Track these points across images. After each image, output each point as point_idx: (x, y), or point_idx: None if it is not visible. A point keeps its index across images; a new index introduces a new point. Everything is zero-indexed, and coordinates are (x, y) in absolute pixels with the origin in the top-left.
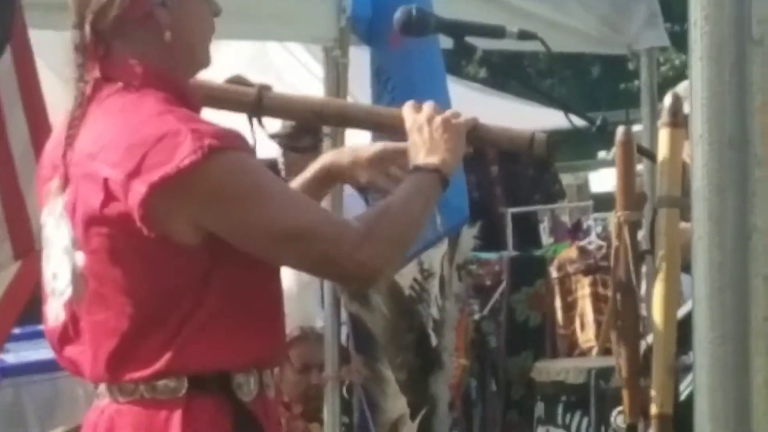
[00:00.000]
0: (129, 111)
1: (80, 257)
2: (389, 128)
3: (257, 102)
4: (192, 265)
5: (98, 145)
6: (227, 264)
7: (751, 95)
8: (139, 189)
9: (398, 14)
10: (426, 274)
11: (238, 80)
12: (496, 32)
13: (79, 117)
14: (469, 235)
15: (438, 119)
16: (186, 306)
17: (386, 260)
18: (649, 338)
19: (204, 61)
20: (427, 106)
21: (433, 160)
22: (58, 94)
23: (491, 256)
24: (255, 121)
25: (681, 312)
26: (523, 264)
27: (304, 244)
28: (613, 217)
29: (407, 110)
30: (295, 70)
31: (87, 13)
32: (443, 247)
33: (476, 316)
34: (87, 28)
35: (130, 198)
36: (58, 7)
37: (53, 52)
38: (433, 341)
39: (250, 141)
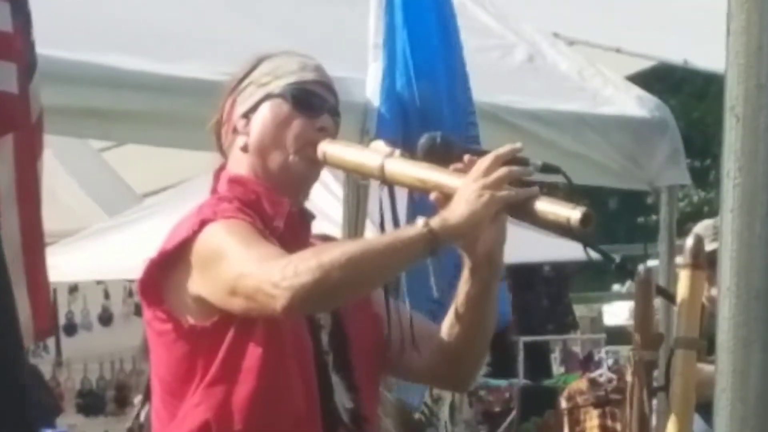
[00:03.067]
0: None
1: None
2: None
3: (381, 175)
4: (197, 345)
5: None
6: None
7: None
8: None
9: (423, 140)
10: (436, 398)
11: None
12: (520, 163)
13: None
14: None
15: (488, 180)
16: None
17: (306, 291)
18: None
19: (279, 167)
20: (494, 163)
21: (440, 217)
22: (77, 202)
23: (501, 382)
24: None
25: None
26: (533, 394)
27: (241, 287)
28: (630, 355)
29: (482, 162)
30: (315, 189)
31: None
32: None
33: None
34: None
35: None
36: (80, 113)
37: (76, 159)
38: None
39: None
